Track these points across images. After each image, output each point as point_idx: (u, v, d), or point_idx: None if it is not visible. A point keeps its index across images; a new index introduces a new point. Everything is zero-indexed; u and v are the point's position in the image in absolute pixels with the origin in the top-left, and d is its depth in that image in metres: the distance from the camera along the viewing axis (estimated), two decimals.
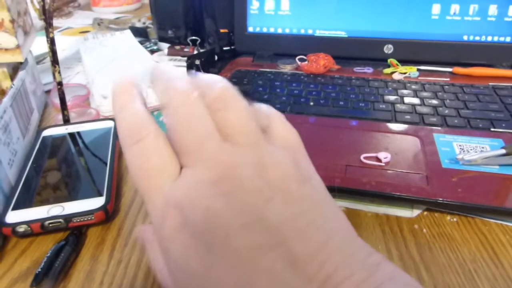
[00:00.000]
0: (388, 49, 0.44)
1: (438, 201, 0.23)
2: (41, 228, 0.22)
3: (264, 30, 0.46)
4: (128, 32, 0.55)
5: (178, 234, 0.13)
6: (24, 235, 0.22)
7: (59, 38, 0.60)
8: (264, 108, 0.17)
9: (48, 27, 0.30)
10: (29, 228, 0.22)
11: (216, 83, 0.15)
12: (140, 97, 0.16)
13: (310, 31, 0.45)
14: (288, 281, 0.12)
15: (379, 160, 0.26)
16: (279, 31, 0.46)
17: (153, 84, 0.16)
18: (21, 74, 0.32)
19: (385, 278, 0.12)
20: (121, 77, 0.16)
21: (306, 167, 0.15)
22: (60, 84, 0.32)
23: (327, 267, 0.12)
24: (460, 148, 0.28)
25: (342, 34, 0.44)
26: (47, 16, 0.30)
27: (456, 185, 0.24)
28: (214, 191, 0.13)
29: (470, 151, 0.27)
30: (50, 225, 0.22)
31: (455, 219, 0.24)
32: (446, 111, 0.33)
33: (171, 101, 0.15)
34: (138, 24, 0.62)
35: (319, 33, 0.45)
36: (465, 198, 0.23)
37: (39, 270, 0.19)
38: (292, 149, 0.16)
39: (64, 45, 0.56)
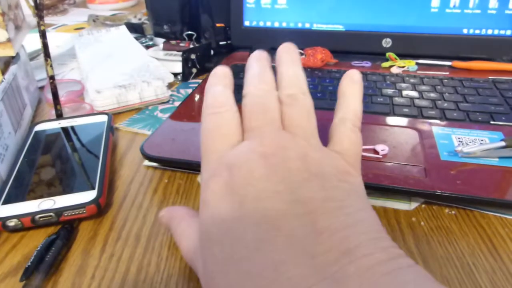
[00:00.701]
0: (387, 43, 0.43)
1: (436, 193, 0.23)
2: (32, 222, 0.22)
3: (261, 24, 0.46)
4: (124, 28, 0.54)
5: (221, 188, 0.15)
6: (14, 230, 0.22)
7: (54, 35, 0.59)
8: (350, 107, 0.19)
9: (39, 19, 0.29)
10: (19, 222, 0.21)
11: (293, 81, 0.18)
12: (231, 84, 0.19)
13: (307, 25, 0.45)
14: (306, 246, 0.12)
15: (376, 152, 0.26)
16: (276, 25, 0.45)
17: (246, 70, 0.19)
18: (12, 68, 0.32)
19: (404, 265, 0.12)
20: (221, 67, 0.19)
21: (350, 174, 0.16)
22: (52, 78, 0.31)
23: (347, 243, 0.12)
24: (459, 141, 0.27)
25: (339, 28, 0.44)
26: (38, 8, 0.29)
27: (455, 178, 0.24)
28: (261, 161, 0.15)
29: (469, 143, 0.27)
30: (41, 219, 0.22)
31: (453, 212, 0.23)
32: (445, 104, 0.33)
33: (253, 89, 0.18)
34: (134, 20, 0.61)
35: (316, 27, 0.44)
36: (463, 191, 0.23)
37: (29, 264, 0.19)
38: (347, 156, 0.17)
39: (59, 41, 0.55)
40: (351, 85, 0.20)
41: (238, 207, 0.14)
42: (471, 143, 0.27)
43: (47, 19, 0.72)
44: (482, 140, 0.27)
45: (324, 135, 0.29)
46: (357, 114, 0.19)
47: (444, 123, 0.30)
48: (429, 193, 0.23)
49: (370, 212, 0.15)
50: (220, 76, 0.19)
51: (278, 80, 0.19)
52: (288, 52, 0.20)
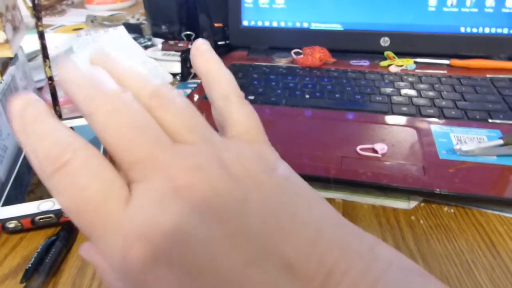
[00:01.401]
0: (385, 41, 0.43)
1: (435, 191, 0.23)
2: (32, 224, 0.22)
3: (259, 23, 0.46)
4: (122, 28, 0.54)
5: (151, 269, 0.10)
6: (14, 231, 0.22)
7: (52, 36, 0.59)
8: (223, 82, 0.15)
9: (38, 21, 0.29)
10: (19, 224, 0.21)
11: (148, 81, 0.13)
12: (49, 111, 0.12)
13: (305, 24, 0.45)
14: None
15: (375, 151, 0.26)
16: (274, 24, 0.45)
17: (70, 93, 0.12)
18: (10, 69, 0.32)
19: (384, 265, 0.11)
20: (21, 94, 0.12)
21: (268, 155, 0.14)
22: (51, 79, 0.31)
23: (325, 263, 0.11)
24: (458, 139, 0.28)
25: (337, 27, 0.44)
26: (36, 9, 0.29)
27: (453, 176, 0.24)
28: (182, 205, 0.11)
29: (467, 142, 0.27)
30: (41, 220, 0.22)
31: (452, 210, 0.23)
32: (443, 103, 0.33)
33: (100, 107, 0.12)
34: (132, 21, 0.61)
35: (314, 26, 0.44)
36: (462, 189, 0.23)
37: (29, 265, 0.19)
38: (251, 137, 0.14)
39: (57, 42, 0.55)
40: (208, 60, 0.15)
41: (191, 281, 0.10)
42: (470, 141, 0.27)
43: (45, 20, 0.71)
44: (480, 138, 0.28)
45: (324, 133, 0.29)
46: (233, 85, 0.15)
47: (442, 121, 0.30)
48: (428, 191, 0.23)
49: (318, 201, 0.13)
50: (31, 108, 0.12)
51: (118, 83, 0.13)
52: (80, 72, 0.13)
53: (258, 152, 0.13)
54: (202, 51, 0.15)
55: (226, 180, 0.11)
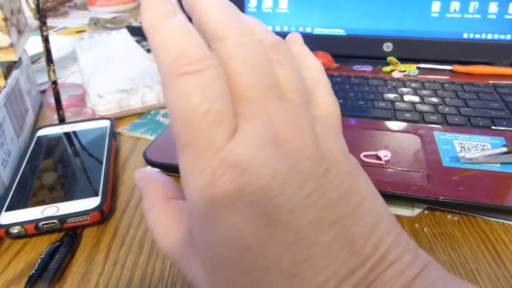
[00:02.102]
0: (388, 47, 0.43)
1: (439, 199, 0.23)
2: (35, 229, 0.22)
3: None
4: (125, 31, 0.54)
5: (231, 199, 0.11)
6: (18, 237, 0.22)
7: (54, 38, 0.59)
8: (315, 67, 0.15)
9: (42, 25, 0.30)
10: (23, 229, 0.21)
11: (270, 33, 0.13)
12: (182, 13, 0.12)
13: (308, 29, 0.45)
14: (345, 260, 0.11)
15: (379, 158, 0.26)
16: (277, 29, 0.45)
17: (204, 10, 0.12)
18: (15, 73, 0.32)
19: (425, 262, 0.12)
20: None
21: (343, 142, 0.14)
22: (54, 83, 0.31)
23: (381, 248, 0.12)
24: (461, 146, 0.28)
25: (340, 32, 0.44)
26: (41, 14, 0.29)
27: (457, 184, 0.24)
28: (280, 155, 0.11)
29: (471, 149, 0.27)
30: (45, 226, 0.22)
31: (456, 218, 0.23)
32: (447, 109, 0.33)
33: (233, 36, 0.12)
34: (135, 23, 0.61)
35: (317, 31, 0.45)
36: (466, 197, 0.23)
37: (33, 272, 0.19)
38: (333, 121, 0.14)
39: (60, 44, 0.55)
40: (301, 46, 0.16)
41: (266, 224, 0.11)
42: (473, 149, 0.27)
43: (48, 22, 0.71)
44: (484, 146, 0.28)
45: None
46: (324, 72, 0.16)
47: (445, 128, 0.30)
48: (432, 199, 0.23)
49: (379, 196, 0.13)
50: (163, 2, 0.12)
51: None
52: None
53: (338, 135, 0.14)
54: (299, 41, 0.16)
55: (316, 149, 0.12)
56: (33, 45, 0.44)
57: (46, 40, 0.30)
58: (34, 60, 0.49)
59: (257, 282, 0.11)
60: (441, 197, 0.23)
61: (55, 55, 0.52)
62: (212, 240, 0.12)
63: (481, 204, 0.23)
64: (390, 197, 0.24)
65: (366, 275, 0.11)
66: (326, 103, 0.14)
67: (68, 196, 0.23)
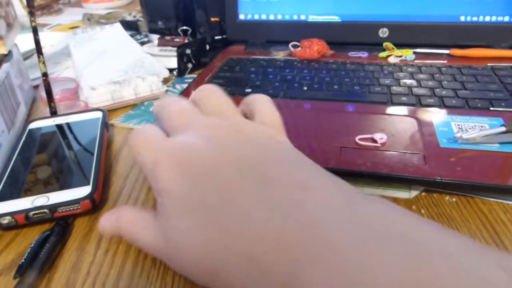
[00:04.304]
0: (383, 32, 0.43)
1: (436, 180, 0.22)
2: (26, 219, 0.21)
3: (256, 17, 0.45)
4: (118, 25, 0.53)
5: (173, 173, 0.16)
6: (8, 227, 0.22)
7: (48, 34, 0.59)
8: (254, 95, 0.20)
9: (31, 16, 0.29)
10: (13, 220, 0.21)
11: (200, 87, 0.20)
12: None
13: (302, 17, 0.44)
14: (264, 193, 0.14)
15: (374, 141, 0.26)
16: (271, 17, 0.45)
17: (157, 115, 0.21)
18: (5, 66, 0.32)
19: (354, 189, 0.15)
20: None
21: (280, 140, 0.18)
22: (45, 75, 0.31)
23: (300, 177, 0.15)
24: (459, 128, 0.27)
25: (335, 19, 0.43)
26: (29, 3, 0.29)
27: (455, 164, 0.23)
28: (199, 139, 0.17)
29: (468, 130, 0.27)
30: (35, 216, 0.21)
31: (454, 199, 0.23)
32: (444, 92, 0.32)
33: (164, 105, 0.20)
34: (129, 18, 0.61)
35: (312, 18, 0.44)
36: (464, 177, 0.22)
37: (22, 261, 0.19)
38: (272, 125, 0.19)
39: (54, 40, 0.55)
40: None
41: (193, 178, 0.15)
42: (471, 130, 0.26)
43: (42, 19, 0.71)
44: (482, 126, 0.27)
45: (322, 124, 0.29)
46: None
47: (443, 110, 0.30)
48: (429, 180, 0.22)
49: (307, 159, 0.17)
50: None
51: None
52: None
53: (271, 133, 0.18)
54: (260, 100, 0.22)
55: (231, 133, 0.17)
56: (27, 42, 0.44)
57: (35, 31, 0.30)
58: (27, 56, 0.48)
59: (201, 221, 0.15)
60: (438, 178, 0.22)
61: (48, 51, 0.51)
62: (166, 207, 0.16)
63: (480, 183, 0.22)
64: (386, 179, 0.23)
65: (284, 198, 0.14)
66: (264, 113, 0.19)
67: (59, 186, 0.23)
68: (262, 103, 0.20)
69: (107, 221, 0.18)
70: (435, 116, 0.29)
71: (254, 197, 0.14)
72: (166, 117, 0.19)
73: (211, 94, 0.20)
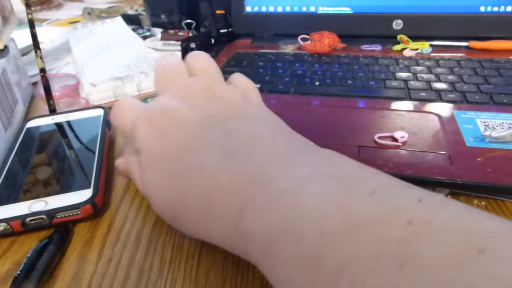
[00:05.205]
0: (397, 24, 0.40)
1: (464, 182, 0.21)
2: (22, 226, 0.20)
3: (263, 9, 0.43)
4: (120, 19, 0.52)
5: (147, 130, 0.18)
6: (4, 235, 0.20)
7: (47, 29, 0.57)
8: (234, 74, 0.22)
9: (27, 8, 0.27)
10: (8, 227, 0.20)
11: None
12: None
13: (312, 9, 0.42)
14: (222, 143, 0.16)
15: (395, 140, 0.24)
16: (279, 9, 0.43)
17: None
18: (1, 62, 0.30)
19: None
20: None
21: (252, 96, 0.20)
22: (43, 71, 0.29)
23: (255, 132, 0.16)
24: (485, 125, 0.25)
25: (347, 10, 0.41)
26: None
27: (484, 165, 0.22)
28: (171, 99, 0.19)
29: (496, 127, 0.25)
30: (32, 222, 0.20)
31: (483, 203, 0.21)
32: (465, 87, 0.30)
33: (160, 61, 0.22)
34: (131, 12, 0.59)
35: (322, 10, 0.42)
36: (494, 179, 0.21)
37: (18, 272, 0.17)
38: (245, 88, 0.21)
39: (53, 35, 0.53)
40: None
41: (163, 134, 0.17)
42: (499, 127, 0.25)
43: (42, 14, 0.69)
44: (510, 124, 0.25)
45: (337, 122, 0.27)
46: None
47: (465, 106, 0.28)
48: (456, 182, 0.21)
49: (274, 117, 0.19)
50: None
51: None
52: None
53: (243, 95, 0.19)
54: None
55: (202, 92, 0.19)
56: (25, 37, 0.42)
57: (31, 25, 0.28)
58: (25, 52, 0.47)
59: (164, 165, 0.17)
60: (467, 180, 0.21)
61: (48, 46, 0.50)
62: (143, 158, 0.18)
63: (511, 187, 0.20)
64: (409, 181, 0.22)
65: (237, 149, 0.16)
66: (241, 79, 0.22)
67: (58, 189, 0.22)
68: (237, 75, 0.22)
69: (120, 164, 0.22)
70: (458, 112, 0.27)
71: (214, 148, 0.16)
72: (156, 74, 0.21)
73: (200, 57, 0.21)
